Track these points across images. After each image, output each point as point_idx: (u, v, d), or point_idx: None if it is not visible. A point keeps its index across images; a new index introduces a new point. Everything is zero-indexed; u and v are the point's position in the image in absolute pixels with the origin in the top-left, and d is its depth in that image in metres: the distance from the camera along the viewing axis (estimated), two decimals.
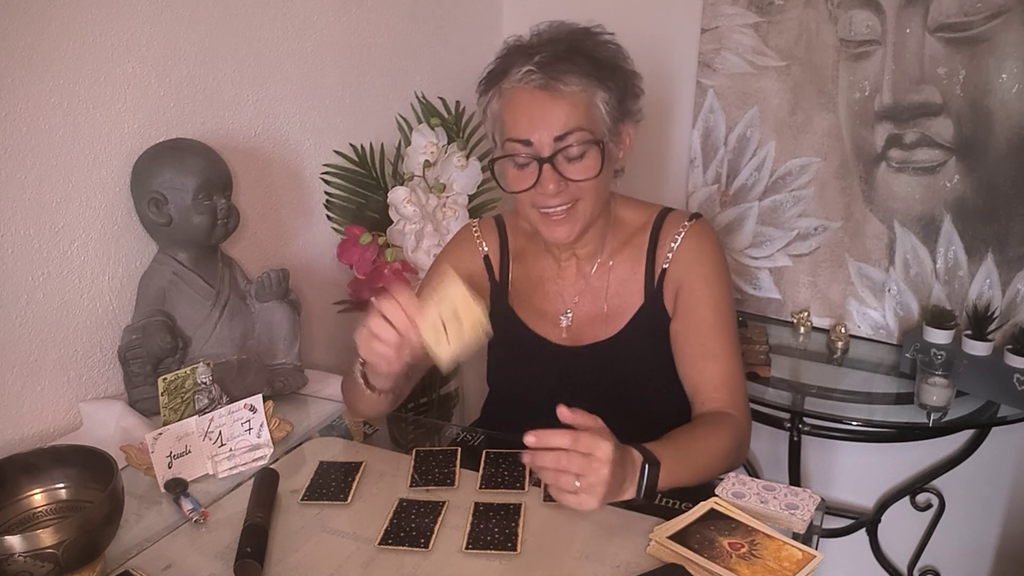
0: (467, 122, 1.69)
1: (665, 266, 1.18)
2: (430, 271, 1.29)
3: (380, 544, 0.93)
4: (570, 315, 1.22)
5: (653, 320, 1.18)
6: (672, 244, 1.18)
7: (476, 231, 1.29)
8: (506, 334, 1.26)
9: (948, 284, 1.75)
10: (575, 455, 0.87)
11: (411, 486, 1.05)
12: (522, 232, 1.26)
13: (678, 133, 2.01)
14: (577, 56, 1.06)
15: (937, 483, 1.86)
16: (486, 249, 1.27)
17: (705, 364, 1.14)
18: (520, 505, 0.99)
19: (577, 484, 0.88)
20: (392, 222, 1.58)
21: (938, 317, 1.65)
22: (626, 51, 1.13)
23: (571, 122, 1.05)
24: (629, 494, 0.94)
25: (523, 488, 1.04)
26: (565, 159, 1.07)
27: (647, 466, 0.95)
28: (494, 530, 0.95)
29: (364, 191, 1.64)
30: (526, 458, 0.89)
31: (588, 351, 1.20)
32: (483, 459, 1.09)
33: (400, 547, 0.92)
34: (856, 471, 1.95)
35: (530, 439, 0.88)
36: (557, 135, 1.05)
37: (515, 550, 0.91)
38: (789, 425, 1.63)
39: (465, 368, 1.85)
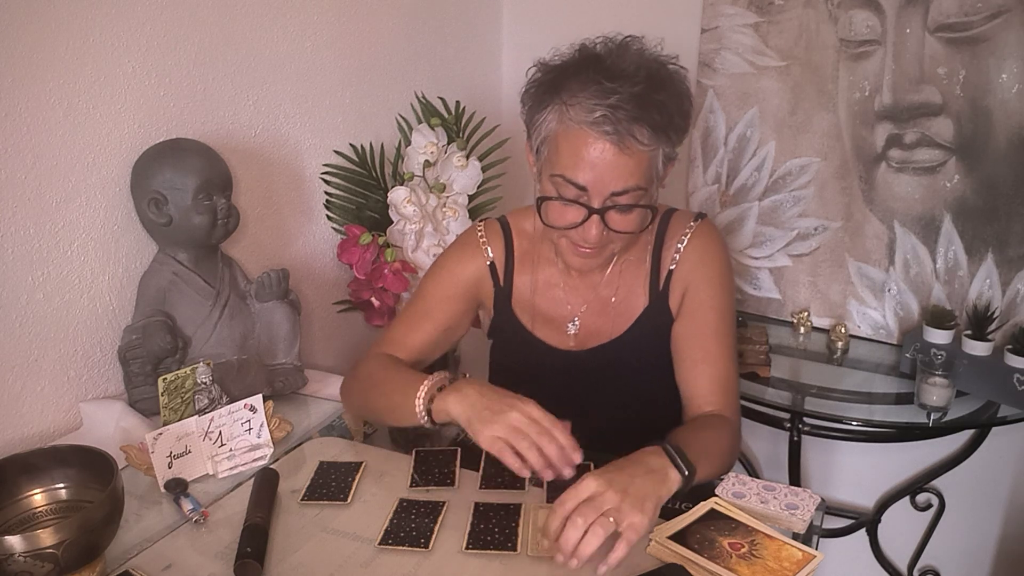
0: (467, 122, 1.69)
1: (672, 267, 1.17)
2: (429, 272, 1.29)
3: (380, 544, 0.93)
4: (577, 323, 1.22)
5: (657, 321, 1.18)
6: (679, 245, 1.17)
7: (481, 236, 1.26)
8: (511, 340, 1.26)
9: (948, 284, 1.75)
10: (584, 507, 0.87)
11: (411, 486, 1.06)
12: (527, 236, 1.25)
13: None
14: (649, 103, 1.00)
15: (937, 483, 1.86)
16: (491, 255, 1.24)
17: (704, 368, 1.14)
18: (520, 505, 0.99)
19: (611, 520, 0.87)
20: (392, 222, 1.58)
21: (938, 317, 1.65)
22: (689, 81, 1.08)
23: (631, 180, 1.02)
24: (673, 482, 0.94)
25: (523, 488, 1.04)
26: (615, 211, 1.05)
27: (668, 447, 0.96)
28: (494, 530, 0.95)
29: (364, 191, 1.64)
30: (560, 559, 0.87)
31: (592, 354, 1.20)
32: (483, 459, 1.09)
33: (400, 547, 0.92)
34: (856, 471, 1.95)
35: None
36: (615, 191, 1.03)
37: (515, 550, 0.91)
38: (789, 425, 1.63)
39: (465, 368, 1.85)
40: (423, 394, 1.04)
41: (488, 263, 1.24)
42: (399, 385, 1.09)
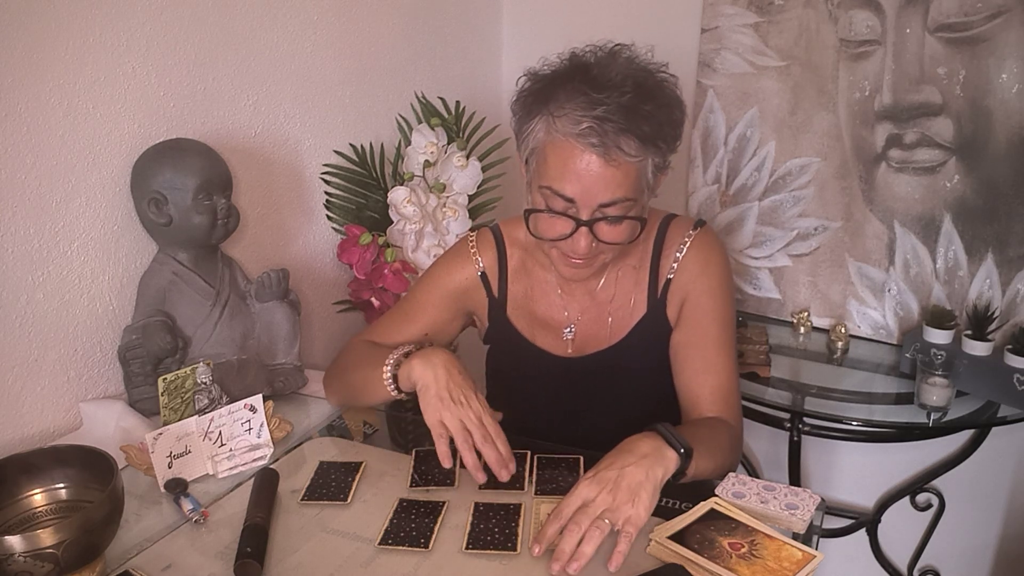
0: (467, 122, 1.69)
1: (670, 276, 1.17)
2: (421, 278, 1.29)
3: (380, 544, 0.93)
4: (573, 329, 1.21)
5: (654, 330, 1.18)
6: (677, 254, 1.17)
7: (473, 246, 1.25)
8: (507, 347, 1.26)
9: (948, 284, 1.75)
10: (580, 515, 0.89)
11: (411, 486, 1.06)
12: (520, 244, 1.25)
13: None
14: (637, 114, 0.98)
15: (937, 483, 1.86)
16: (483, 265, 1.24)
17: (707, 378, 1.14)
18: (520, 505, 0.99)
19: (607, 522, 0.89)
20: (392, 222, 1.58)
21: (938, 317, 1.65)
22: (680, 87, 1.06)
23: (619, 192, 1.01)
24: (670, 461, 0.94)
25: (523, 488, 1.03)
26: (604, 223, 1.04)
27: (661, 428, 0.97)
28: (494, 530, 0.95)
29: (364, 191, 1.64)
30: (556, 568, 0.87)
31: (590, 360, 1.20)
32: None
33: (400, 547, 0.92)
34: (856, 471, 1.95)
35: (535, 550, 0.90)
36: (603, 203, 1.02)
37: (515, 550, 0.91)
38: (789, 425, 1.63)
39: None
40: (391, 361, 1.09)
41: (479, 273, 1.24)
42: (373, 359, 1.13)
